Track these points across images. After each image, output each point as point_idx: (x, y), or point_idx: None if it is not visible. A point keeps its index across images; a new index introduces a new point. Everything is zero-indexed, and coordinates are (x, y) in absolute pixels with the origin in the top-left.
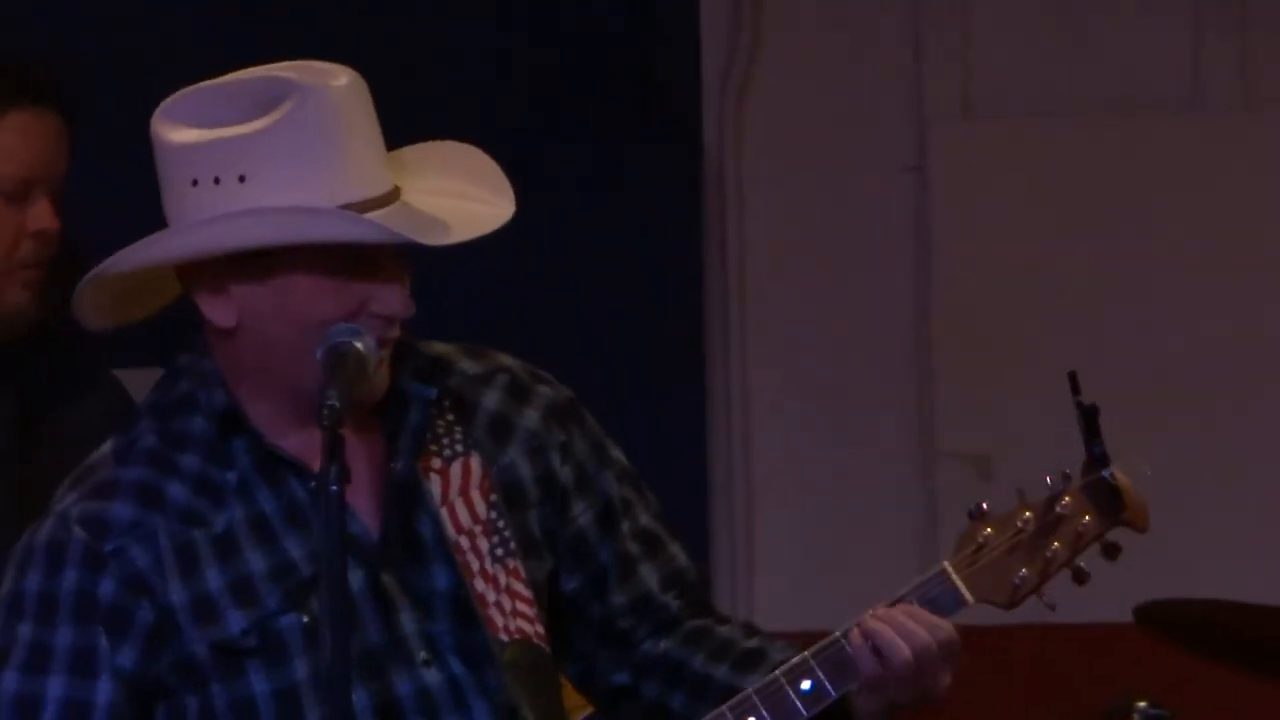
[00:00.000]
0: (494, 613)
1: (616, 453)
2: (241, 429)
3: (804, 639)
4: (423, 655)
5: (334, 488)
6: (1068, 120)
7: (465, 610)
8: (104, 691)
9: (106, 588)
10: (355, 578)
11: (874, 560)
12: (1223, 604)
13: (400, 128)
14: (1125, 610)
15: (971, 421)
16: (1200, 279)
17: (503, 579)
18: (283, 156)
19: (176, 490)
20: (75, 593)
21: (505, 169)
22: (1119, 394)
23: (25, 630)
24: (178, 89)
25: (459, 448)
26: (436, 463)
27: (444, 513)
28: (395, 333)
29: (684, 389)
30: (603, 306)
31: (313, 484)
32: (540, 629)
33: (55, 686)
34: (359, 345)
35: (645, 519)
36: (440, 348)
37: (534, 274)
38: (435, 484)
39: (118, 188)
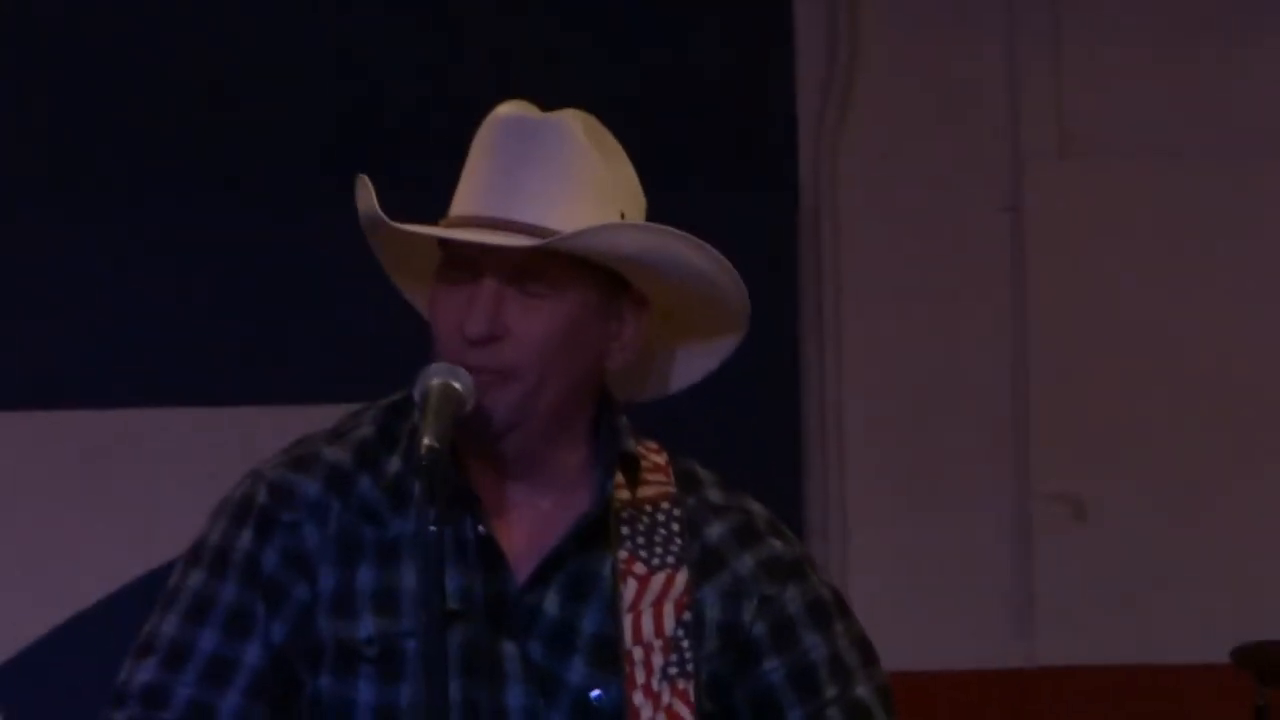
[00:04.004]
0: None
1: (845, 621)
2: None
3: (896, 679)
4: None
5: (432, 529)
6: (1164, 160)
7: (596, 714)
8: (252, 654)
9: (270, 558)
10: (484, 629)
11: (970, 600)
12: None
13: None
14: (1223, 651)
15: (1067, 463)
16: None
17: (666, 697)
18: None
19: (367, 485)
20: (246, 554)
21: None
22: (1218, 434)
23: (197, 578)
24: None
25: (670, 560)
26: (640, 568)
27: (628, 620)
28: (482, 358)
29: (780, 433)
30: None
31: (480, 528)
32: None
33: (207, 640)
34: (456, 385)
35: (862, 690)
36: (699, 470)
37: None
38: (630, 589)
39: None
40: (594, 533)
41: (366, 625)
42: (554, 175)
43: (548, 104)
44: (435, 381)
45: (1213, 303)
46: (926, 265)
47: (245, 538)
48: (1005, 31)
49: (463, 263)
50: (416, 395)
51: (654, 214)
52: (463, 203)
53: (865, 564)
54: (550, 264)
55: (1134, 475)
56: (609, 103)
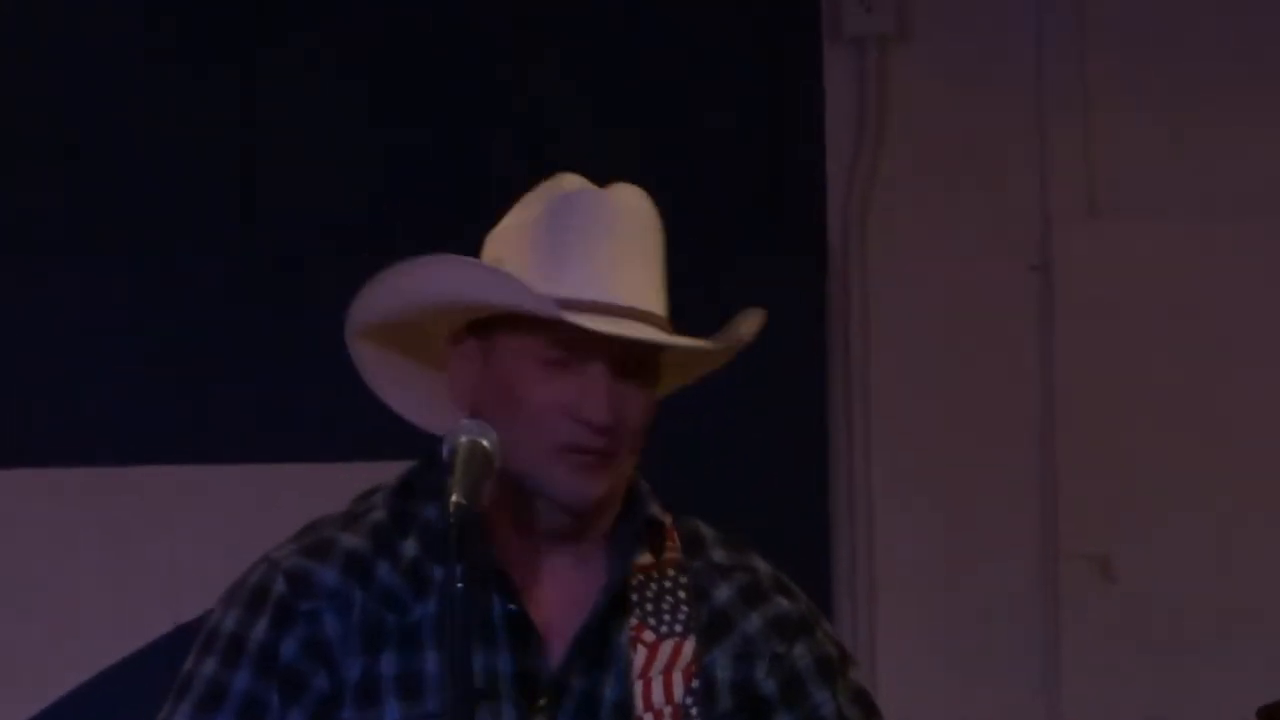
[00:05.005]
0: None
1: (849, 677)
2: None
3: None
4: None
5: (460, 584)
6: (1193, 220)
7: None
8: None
9: (289, 648)
10: (511, 709)
11: (997, 660)
12: None
13: None
14: (1249, 712)
15: (1094, 523)
16: None
17: None
18: (526, 248)
19: (385, 570)
20: (261, 643)
21: None
22: (1246, 494)
23: (210, 666)
24: None
25: (678, 628)
26: (649, 636)
27: (638, 686)
28: (599, 443)
29: (807, 492)
30: (726, 410)
31: (511, 606)
32: None
33: None
34: (484, 442)
35: None
36: (703, 530)
37: None
38: (640, 656)
39: None
40: (618, 601)
41: (392, 711)
42: (645, 257)
43: (585, 173)
44: (464, 439)
45: (1242, 362)
46: (955, 325)
47: (260, 627)
48: (1034, 91)
49: (576, 346)
50: (445, 452)
51: (684, 278)
52: (566, 283)
53: (892, 623)
54: (651, 356)
55: (1161, 535)
56: (638, 166)
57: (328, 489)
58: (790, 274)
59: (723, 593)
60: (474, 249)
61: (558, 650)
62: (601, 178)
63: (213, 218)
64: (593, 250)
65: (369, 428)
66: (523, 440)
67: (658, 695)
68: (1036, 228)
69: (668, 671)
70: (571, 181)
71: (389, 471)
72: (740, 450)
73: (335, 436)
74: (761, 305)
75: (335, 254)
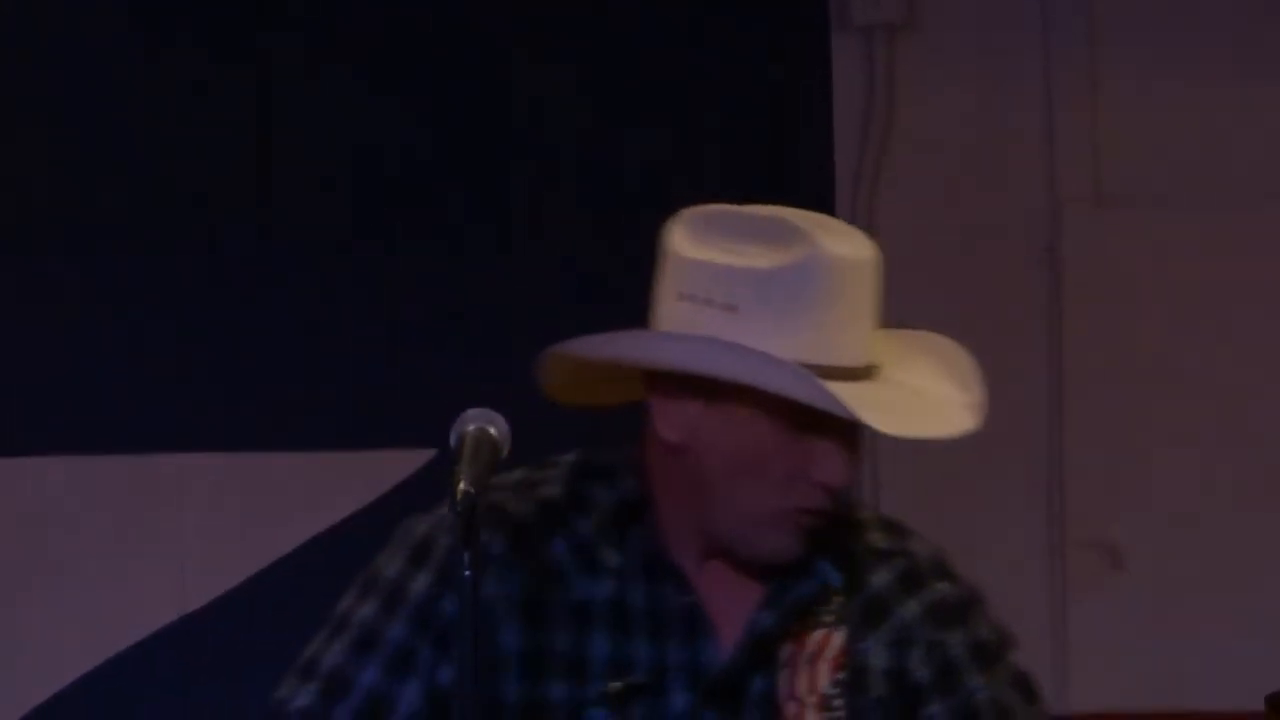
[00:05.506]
0: None
1: (1007, 661)
2: (642, 521)
3: None
4: None
5: (468, 573)
6: (1201, 207)
7: None
8: (410, 695)
9: (449, 605)
10: (681, 699)
11: None
12: None
13: (531, 226)
14: (1258, 698)
15: (1103, 510)
16: None
17: None
18: (776, 301)
19: (559, 546)
20: (421, 597)
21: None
22: (1255, 481)
23: (368, 611)
24: None
25: (828, 618)
26: (797, 625)
27: (784, 674)
28: (828, 504)
29: None
30: None
31: (687, 598)
32: None
33: (368, 675)
34: (492, 430)
35: None
36: (865, 515)
37: None
38: (787, 646)
39: None
40: (802, 607)
41: (559, 689)
42: (868, 310)
43: (589, 164)
44: (471, 428)
45: (1250, 350)
46: (963, 311)
47: (422, 580)
48: (1041, 79)
49: (820, 414)
50: (453, 441)
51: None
52: (813, 349)
53: None
54: None
55: (1170, 522)
56: (641, 156)
57: (338, 477)
58: None
59: (880, 578)
60: (473, 248)
61: (723, 643)
62: (604, 174)
63: (213, 217)
64: (846, 317)
65: (379, 417)
66: (748, 500)
67: (802, 685)
68: (1044, 215)
69: (814, 661)
70: (801, 228)
71: (400, 460)
72: None
73: (345, 425)
74: None
75: (335, 252)
